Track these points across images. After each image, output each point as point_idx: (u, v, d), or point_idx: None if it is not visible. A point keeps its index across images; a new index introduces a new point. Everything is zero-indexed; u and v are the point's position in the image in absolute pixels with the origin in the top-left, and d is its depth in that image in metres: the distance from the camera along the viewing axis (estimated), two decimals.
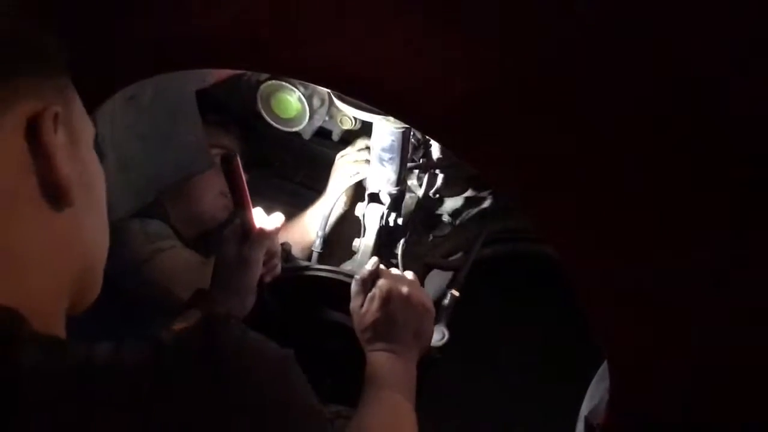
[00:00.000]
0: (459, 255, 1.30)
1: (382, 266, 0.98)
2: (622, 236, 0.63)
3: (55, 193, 0.49)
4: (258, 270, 0.92)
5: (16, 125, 0.47)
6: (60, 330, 0.50)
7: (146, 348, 0.44)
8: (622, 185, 0.60)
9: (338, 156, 1.34)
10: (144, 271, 1.13)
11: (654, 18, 0.53)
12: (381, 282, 0.94)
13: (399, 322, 0.91)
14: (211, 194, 1.33)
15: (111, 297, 1.14)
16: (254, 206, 0.92)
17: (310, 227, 1.29)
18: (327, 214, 1.20)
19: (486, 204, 1.33)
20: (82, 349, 0.43)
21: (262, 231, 0.92)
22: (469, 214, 1.33)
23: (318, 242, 1.19)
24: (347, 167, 1.31)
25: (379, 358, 0.90)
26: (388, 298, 0.92)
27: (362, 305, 0.93)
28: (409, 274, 0.99)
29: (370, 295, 0.93)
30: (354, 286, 0.95)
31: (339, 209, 1.29)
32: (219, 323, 0.47)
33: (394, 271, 0.98)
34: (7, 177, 0.46)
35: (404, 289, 0.93)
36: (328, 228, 1.22)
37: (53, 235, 0.49)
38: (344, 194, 1.29)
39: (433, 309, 0.96)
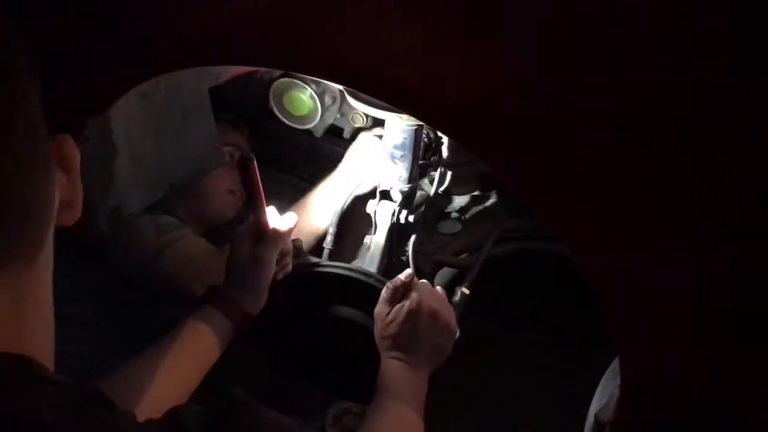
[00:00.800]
0: (468, 253, 1.31)
1: (416, 279, 0.98)
2: (636, 235, 0.63)
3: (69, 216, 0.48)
4: (272, 270, 0.93)
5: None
6: (52, 365, 0.49)
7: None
8: (638, 184, 0.60)
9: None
10: (158, 264, 1.14)
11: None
12: (414, 295, 0.94)
13: (421, 338, 0.92)
14: (219, 191, 1.34)
15: (127, 292, 1.16)
16: (267, 205, 0.93)
17: (317, 215, 1.28)
18: (339, 210, 1.20)
19: (489, 202, 1.33)
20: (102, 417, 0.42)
21: (276, 231, 0.93)
22: (474, 212, 1.34)
23: (329, 239, 1.20)
24: (371, 140, 1.30)
25: (394, 366, 0.91)
26: (417, 313, 0.92)
27: (389, 313, 0.94)
28: (440, 291, 0.99)
29: (399, 305, 0.94)
30: (384, 293, 0.96)
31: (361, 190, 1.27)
32: (239, 404, 0.47)
33: (427, 285, 0.98)
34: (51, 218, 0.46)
35: (434, 306, 0.94)
36: (337, 219, 1.21)
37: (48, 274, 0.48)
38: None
39: (456, 330, 0.97)
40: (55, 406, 0.39)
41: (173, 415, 0.45)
